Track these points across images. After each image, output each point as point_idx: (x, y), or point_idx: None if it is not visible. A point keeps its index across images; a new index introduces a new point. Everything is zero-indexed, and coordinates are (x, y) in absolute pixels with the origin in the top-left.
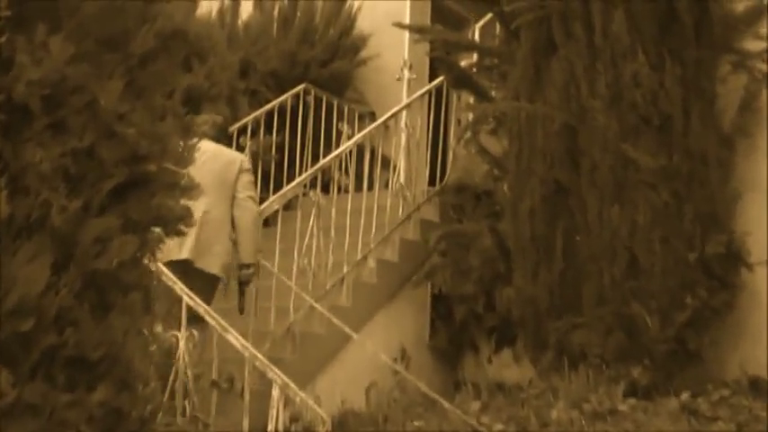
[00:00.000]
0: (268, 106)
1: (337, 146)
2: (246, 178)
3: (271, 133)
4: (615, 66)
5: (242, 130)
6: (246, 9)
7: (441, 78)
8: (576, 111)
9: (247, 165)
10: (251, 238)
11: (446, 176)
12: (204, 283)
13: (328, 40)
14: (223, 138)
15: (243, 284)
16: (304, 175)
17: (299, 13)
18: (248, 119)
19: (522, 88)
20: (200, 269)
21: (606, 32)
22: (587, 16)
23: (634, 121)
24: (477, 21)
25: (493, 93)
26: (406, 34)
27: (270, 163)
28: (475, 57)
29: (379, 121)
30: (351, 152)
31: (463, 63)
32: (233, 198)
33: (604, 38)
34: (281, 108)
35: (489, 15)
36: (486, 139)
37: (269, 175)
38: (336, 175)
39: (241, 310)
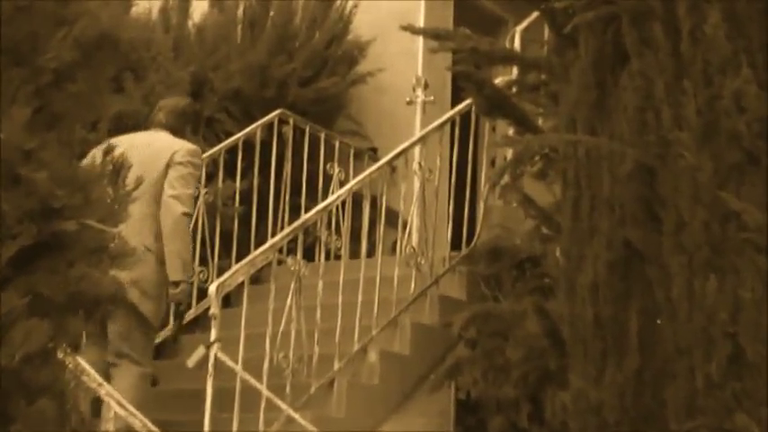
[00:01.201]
0: (230, 140)
1: (325, 195)
2: (177, 173)
3: (233, 177)
4: (710, 83)
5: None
6: (200, 8)
7: (468, 102)
8: (655, 146)
9: (184, 156)
10: (173, 249)
11: (475, 237)
12: (125, 319)
13: (312, 49)
14: (187, 124)
15: (179, 307)
16: (279, 236)
17: (271, 13)
18: (202, 158)
19: (580, 115)
20: None
21: (697, 38)
22: (670, 16)
23: (736, 160)
24: (517, 23)
25: (540, 121)
26: (420, 41)
27: (232, 218)
28: (515, 72)
29: (384, 160)
30: (344, 203)
31: (498, 80)
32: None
33: (694, 45)
34: (248, 142)
35: (534, 15)
36: (530, 184)
37: (231, 235)
38: (324, 236)
39: (173, 338)
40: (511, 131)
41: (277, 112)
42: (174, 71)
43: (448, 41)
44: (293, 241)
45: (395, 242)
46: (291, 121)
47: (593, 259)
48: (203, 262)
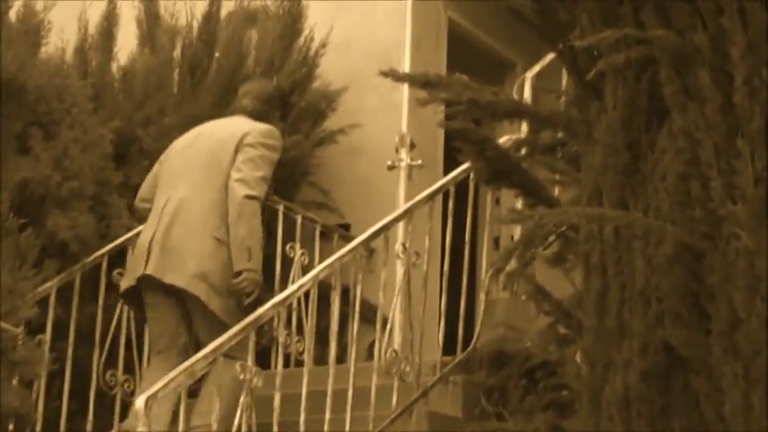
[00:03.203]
0: None
1: (284, 285)
2: (245, 155)
3: None
4: None
5: (117, 256)
6: (127, 47)
7: (464, 166)
8: (702, 223)
9: (255, 137)
10: (236, 235)
11: (474, 338)
12: (192, 310)
13: None
14: (275, 110)
15: (244, 299)
16: (225, 335)
17: (217, 54)
18: (127, 236)
19: (607, 184)
20: (170, 286)
21: (755, 87)
22: (721, 60)
23: None
24: (527, 68)
25: (556, 191)
26: (405, 91)
27: None
28: (524, 129)
29: (358, 240)
30: (307, 295)
31: (504, 140)
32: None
33: (751, 96)
34: None
35: (549, 58)
36: (544, 271)
37: None
38: (283, 336)
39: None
40: (519, 204)
41: None
42: (94, 127)
43: (440, 90)
44: (244, 342)
45: (372, 344)
46: None
47: (624, 367)
48: (129, 369)
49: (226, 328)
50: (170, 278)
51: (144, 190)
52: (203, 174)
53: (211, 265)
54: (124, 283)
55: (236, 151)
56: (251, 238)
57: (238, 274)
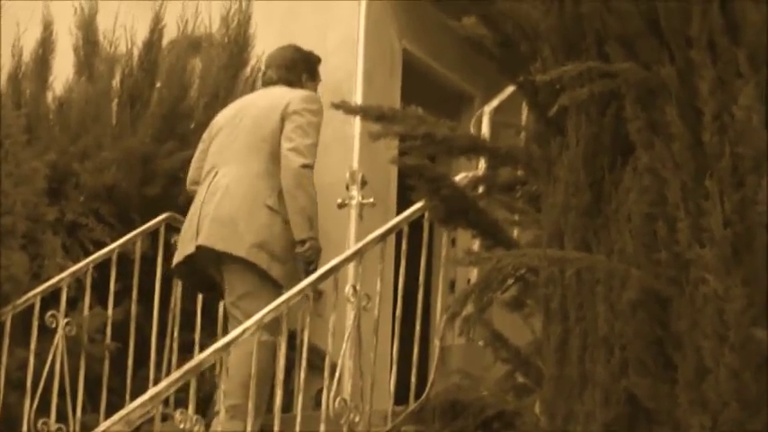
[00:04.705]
0: (100, 253)
1: (227, 329)
2: (293, 123)
3: (104, 303)
4: (740, 184)
5: (51, 297)
6: (63, 75)
7: (419, 205)
8: (668, 267)
9: (299, 104)
10: (295, 205)
11: (428, 387)
12: (244, 278)
13: None
14: (302, 73)
15: (309, 266)
16: (165, 382)
17: (158, 84)
18: (62, 276)
19: (568, 224)
20: (228, 254)
21: (724, 124)
22: (690, 95)
23: None
24: (486, 101)
25: (515, 232)
26: (357, 124)
27: (102, 358)
28: (482, 165)
29: (305, 282)
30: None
31: (460, 177)
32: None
33: (721, 133)
34: (125, 256)
35: (509, 90)
36: (502, 317)
37: (99, 381)
38: (225, 383)
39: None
40: (476, 245)
41: (163, 216)
42: (27, 160)
43: (394, 124)
44: (184, 390)
45: (320, 392)
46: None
47: (586, 418)
48: (61, 417)
49: (276, 290)
50: (222, 245)
51: (193, 172)
52: (249, 145)
53: (268, 235)
54: (176, 259)
55: (282, 119)
56: (311, 206)
57: (302, 242)
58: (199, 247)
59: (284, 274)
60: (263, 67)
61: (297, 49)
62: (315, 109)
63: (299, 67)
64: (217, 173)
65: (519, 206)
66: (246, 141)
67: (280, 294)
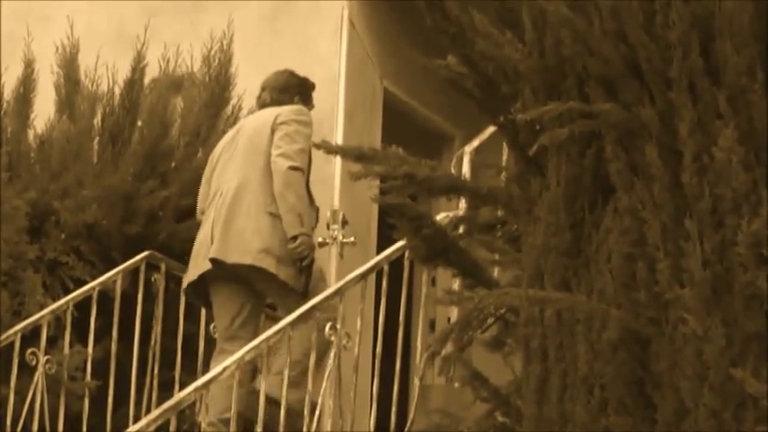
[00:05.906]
0: (80, 291)
1: (208, 367)
2: (281, 132)
3: (84, 341)
4: (720, 225)
5: (31, 335)
6: (44, 113)
7: (399, 244)
8: (648, 308)
9: (287, 116)
10: (285, 205)
11: (407, 426)
12: (264, 289)
13: (193, 171)
14: (294, 96)
15: (302, 262)
16: (145, 420)
17: (139, 123)
18: (42, 314)
19: (549, 265)
20: (238, 265)
21: (704, 165)
22: (670, 136)
23: (755, 328)
24: (466, 141)
25: (495, 272)
26: (337, 164)
27: (81, 396)
28: (462, 205)
29: (285, 321)
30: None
31: (441, 217)
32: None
33: (700, 175)
34: (105, 294)
35: (489, 131)
36: (482, 356)
37: (79, 419)
38: (205, 422)
39: (303, 294)
40: (456, 285)
41: (144, 254)
42: (8, 198)
43: (374, 164)
44: (164, 428)
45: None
46: (163, 267)
47: None
48: None
49: (295, 294)
50: (234, 258)
51: (201, 203)
52: (246, 160)
53: (273, 240)
54: (187, 279)
55: (272, 132)
56: (301, 203)
57: (294, 239)
58: (213, 261)
59: (291, 275)
60: (259, 90)
61: (292, 74)
62: (303, 120)
63: (293, 91)
64: (221, 190)
65: (499, 246)
66: (244, 158)
67: (297, 299)
